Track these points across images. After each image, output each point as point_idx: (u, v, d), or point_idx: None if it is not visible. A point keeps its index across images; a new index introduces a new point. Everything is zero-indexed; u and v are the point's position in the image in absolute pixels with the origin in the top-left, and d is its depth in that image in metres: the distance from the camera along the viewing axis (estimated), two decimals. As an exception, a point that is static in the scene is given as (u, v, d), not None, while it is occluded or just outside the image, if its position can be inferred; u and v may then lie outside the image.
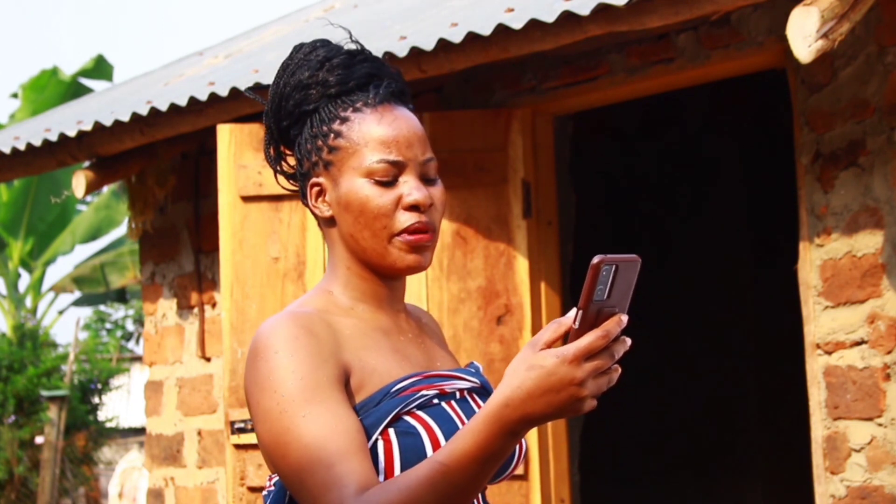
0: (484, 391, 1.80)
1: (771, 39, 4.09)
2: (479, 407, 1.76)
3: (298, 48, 1.86)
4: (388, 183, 1.77)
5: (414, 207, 1.77)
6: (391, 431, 1.67)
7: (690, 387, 7.50)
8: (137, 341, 23.88)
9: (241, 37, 7.19)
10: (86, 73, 17.00)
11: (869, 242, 3.88)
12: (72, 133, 5.24)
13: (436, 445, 1.67)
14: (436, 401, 1.71)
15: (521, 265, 4.59)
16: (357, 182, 1.77)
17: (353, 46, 1.86)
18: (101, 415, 14.62)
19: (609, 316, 1.51)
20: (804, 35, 3.34)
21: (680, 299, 7.55)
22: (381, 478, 1.65)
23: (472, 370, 1.84)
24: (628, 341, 1.53)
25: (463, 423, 1.70)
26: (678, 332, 7.49)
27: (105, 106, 5.83)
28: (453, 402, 1.73)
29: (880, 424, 3.84)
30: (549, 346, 1.52)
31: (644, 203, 7.67)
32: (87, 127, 5.18)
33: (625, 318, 1.51)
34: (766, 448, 7.33)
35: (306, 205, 1.86)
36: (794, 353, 4.99)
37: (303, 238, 4.66)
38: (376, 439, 1.66)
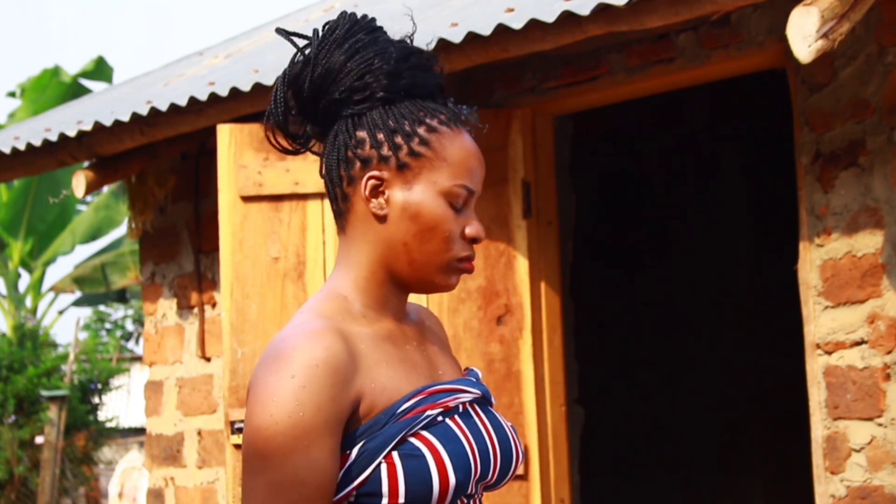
0: (485, 401, 1.79)
1: (771, 39, 4.09)
2: (480, 419, 1.75)
3: (355, 20, 1.78)
4: (458, 209, 1.75)
5: (473, 240, 1.76)
6: (395, 455, 1.65)
7: (690, 386, 7.50)
8: (137, 341, 23.89)
9: (241, 37, 7.19)
10: (86, 74, 17.01)
11: (869, 242, 3.88)
12: (72, 133, 5.24)
13: (440, 466, 1.65)
14: (440, 418, 1.70)
15: (521, 265, 4.59)
16: (432, 197, 1.73)
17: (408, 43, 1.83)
18: (101, 415, 14.62)
19: None
20: (804, 35, 3.34)
21: (680, 299, 7.55)
22: (386, 500, 1.65)
23: (473, 379, 1.82)
24: None
25: (468, 438, 1.69)
26: (678, 332, 7.49)
27: (105, 106, 5.83)
28: (457, 418, 1.72)
29: (880, 424, 3.84)
30: None
31: (644, 203, 7.67)
32: (87, 127, 5.18)
33: None
34: (766, 448, 7.33)
35: (332, 182, 1.77)
36: (794, 353, 4.99)
37: (303, 238, 4.66)
38: (379, 463, 1.65)
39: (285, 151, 1.81)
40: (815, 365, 4.01)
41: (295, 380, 1.62)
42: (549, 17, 3.90)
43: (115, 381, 14.98)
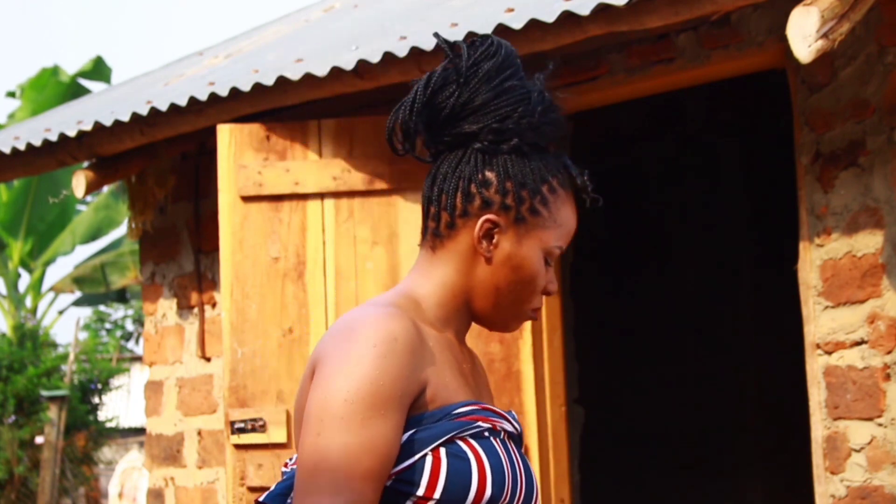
0: (519, 439, 1.84)
1: (771, 39, 4.09)
2: (515, 454, 1.78)
3: (507, 53, 1.80)
4: (549, 265, 1.83)
5: (547, 294, 1.84)
6: (442, 451, 1.68)
7: (690, 386, 7.50)
8: (137, 341, 23.89)
9: (241, 37, 7.19)
10: (84, 74, 17.01)
11: (869, 242, 3.88)
12: (72, 133, 5.24)
13: (482, 475, 1.68)
14: (487, 434, 1.73)
15: (521, 265, 4.59)
16: (537, 253, 1.79)
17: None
18: (101, 415, 14.63)
19: None
20: (804, 35, 3.34)
21: (680, 299, 7.55)
22: (421, 491, 1.67)
23: (513, 417, 1.87)
24: None
25: (506, 463, 1.73)
26: (678, 331, 7.49)
27: (105, 106, 5.83)
28: (499, 441, 1.75)
29: (880, 424, 3.84)
30: None
31: (644, 203, 7.67)
32: (87, 127, 5.18)
33: None
34: (766, 448, 7.33)
35: (444, 207, 1.79)
36: (794, 353, 4.99)
37: (303, 238, 4.66)
38: (425, 454, 1.68)
39: (393, 150, 1.83)
40: (815, 365, 4.01)
41: (377, 349, 1.66)
42: (549, 17, 3.90)
43: (115, 381, 14.99)
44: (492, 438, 1.73)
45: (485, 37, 1.83)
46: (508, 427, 1.79)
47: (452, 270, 1.81)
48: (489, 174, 1.77)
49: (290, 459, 1.81)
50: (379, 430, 1.64)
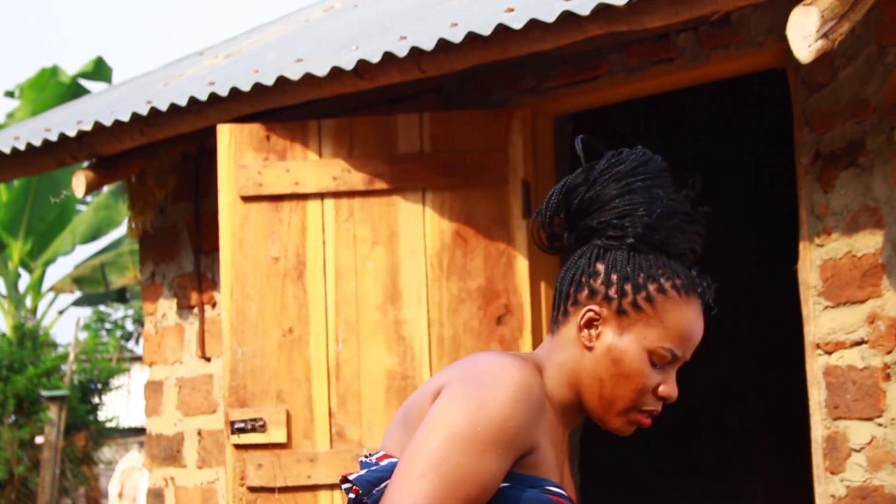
0: None
1: (771, 39, 4.09)
2: None
3: (647, 159, 1.91)
4: (659, 367, 1.84)
5: (664, 399, 1.85)
6: None
7: (690, 386, 7.49)
8: (137, 341, 23.89)
9: (241, 37, 7.19)
10: (85, 74, 17.02)
11: (869, 242, 3.88)
12: (72, 133, 5.24)
13: None
14: None
15: (521, 265, 4.59)
16: (639, 350, 1.82)
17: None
18: (101, 415, 14.63)
19: None
20: (804, 35, 3.34)
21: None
22: None
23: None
24: None
25: None
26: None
27: (105, 106, 5.83)
28: None
29: (880, 424, 3.84)
30: None
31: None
32: (87, 127, 5.18)
33: None
34: (766, 448, 7.33)
35: (562, 295, 1.87)
36: (794, 353, 4.99)
37: (303, 238, 4.66)
38: None
39: (540, 248, 1.92)
40: (815, 365, 4.01)
41: (515, 393, 1.74)
42: (549, 17, 3.89)
43: (115, 381, 14.99)
44: None
45: (635, 148, 1.94)
46: None
47: (566, 356, 1.86)
48: (599, 266, 1.84)
49: (373, 454, 1.85)
50: (491, 466, 1.71)
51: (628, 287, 1.82)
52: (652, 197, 1.85)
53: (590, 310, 1.84)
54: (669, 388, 1.84)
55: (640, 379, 1.82)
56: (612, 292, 1.83)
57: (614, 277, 1.83)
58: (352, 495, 1.83)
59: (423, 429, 1.74)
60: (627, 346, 1.82)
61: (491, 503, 1.73)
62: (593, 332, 1.84)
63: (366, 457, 1.87)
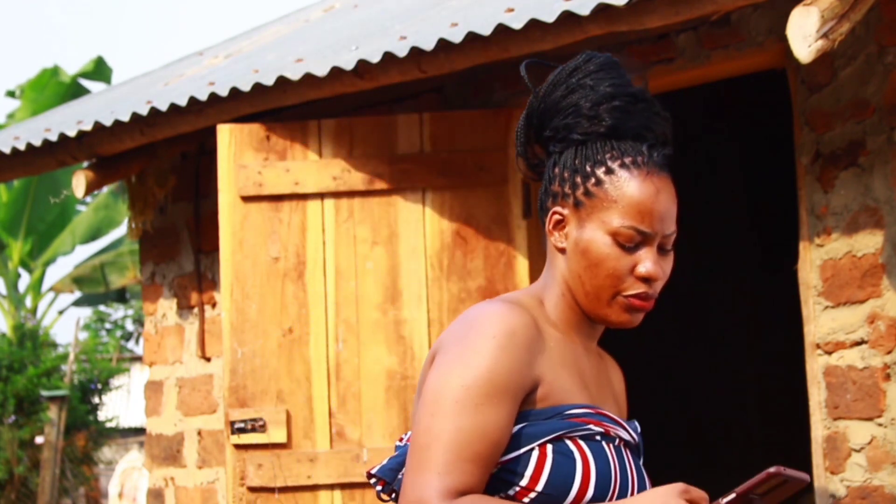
0: (637, 450, 1.90)
1: (771, 39, 4.09)
2: (629, 462, 1.85)
3: (587, 59, 1.87)
4: (629, 248, 1.81)
5: (646, 279, 1.82)
6: (549, 447, 1.75)
7: (690, 386, 7.50)
8: (137, 341, 23.89)
9: (241, 37, 7.19)
10: (85, 74, 17.02)
11: (869, 242, 3.88)
12: (72, 133, 5.24)
13: (586, 475, 1.75)
14: (598, 438, 1.79)
15: (521, 265, 4.59)
16: (602, 237, 1.81)
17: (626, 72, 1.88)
18: (101, 415, 14.62)
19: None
20: (804, 35, 3.34)
21: (679, 299, 7.54)
22: (525, 482, 1.74)
23: (633, 427, 1.92)
24: None
25: (615, 468, 1.79)
26: (678, 331, 7.49)
27: (105, 106, 5.83)
28: (612, 447, 1.81)
29: (880, 424, 3.84)
30: (694, 501, 1.75)
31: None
32: (87, 127, 5.18)
33: None
34: (766, 448, 7.33)
35: (540, 211, 1.89)
36: (794, 353, 4.99)
37: (303, 238, 4.66)
38: (533, 448, 1.75)
39: (530, 180, 1.95)
40: (815, 365, 4.01)
41: (495, 340, 1.74)
42: (549, 17, 3.89)
43: (115, 381, 14.98)
44: (603, 443, 1.80)
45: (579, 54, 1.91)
46: (625, 435, 1.85)
47: (555, 270, 1.88)
48: (556, 170, 1.86)
49: (405, 435, 1.88)
50: (491, 418, 1.72)
51: (578, 179, 1.82)
52: (594, 88, 1.84)
53: (554, 213, 1.86)
54: (647, 267, 1.81)
55: (609, 263, 1.81)
56: (567, 189, 1.83)
57: (566, 174, 1.84)
58: (379, 487, 1.86)
59: (420, 405, 1.76)
60: (591, 235, 1.82)
61: (510, 447, 1.74)
62: (561, 233, 1.85)
63: (400, 440, 1.90)
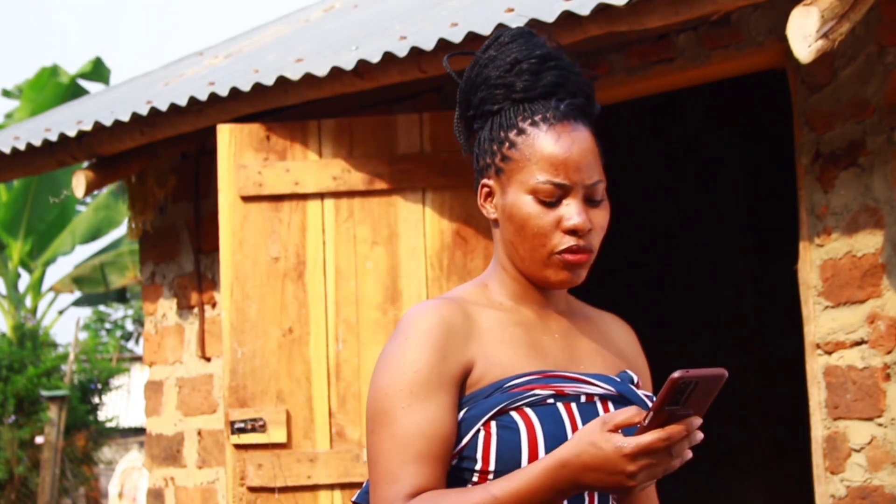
0: (622, 399, 1.83)
1: (771, 39, 4.09)
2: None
3: (498, 36, 1.87)
4: (552, 203, 1.80)
5: (573, 231, 1.80)
6: (493, 424, 1.73)
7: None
8: (137, 341, 23.89)
9: (241, 37, 7.19)
10: (83, 75, 17.02)
11: (869, 242, 3.88)
12: (72, 133, 5.24)
13: (533, 443, 1.73)
14: (550, 401, 1.76)
15: (521, 265, 4.59)
16: (522, 197, 1.81)
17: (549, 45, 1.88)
18: (101, 415, 14.62)
19: (681, 419, 1.62)
20: (804, 35, 3.34)
21: (680, 299, 7.55)
22: (479, 465, 1.73)
23: (618, 379, 1.87)
24: (698, 437, 1.66)
25: (575, 427, 1.76)
26: (678, 331, 7.49)
27: (105, 106, 5.83)
28: (572, 406, 1.78)
29: (880, 424, 3.84)
30: (619, 427, 1.62)
31: (644, 203, 7.67)
32: (87, 127, 5.18)
33: (697, 421, 1.63)
34: (766, 448, 7.33)
35: (476, 191, 1.90)
36: (794, 353, 4.99)
37: (303, 238, 4.66)
38: (478, 430, 1.73)
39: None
40: (815, 365, 4.01)
41: (409, 340, 1.75)
42: (549, 17, 3.89)
43: (115, 381, 14.98)
44: (558, 404, 1.76)
45: None
46: (594, 390, 1.80)
47: (497, 244, 1.90)
48: (478, 147, 1.88)
49: None
50: (422, 415, 1.72)
51: (495, 147, 1.83)
52: (502, 61, 1.84)
53: (482, 186, 1.87)
54: (572, 219, 1.79)
55: (533, 222, 1.80)
56: (489, 160, 1.84)
57: (486, 146, 1.85)
58: None
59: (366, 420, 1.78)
60: (514, 199, 1.81)
61: (460, 435, 1.74)
62: (491, 205, 1.86)
63: None
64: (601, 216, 1.84)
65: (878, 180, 3.86)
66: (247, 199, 4.68)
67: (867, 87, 3.90)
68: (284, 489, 4.58)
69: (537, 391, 1.75)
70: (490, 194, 1.86)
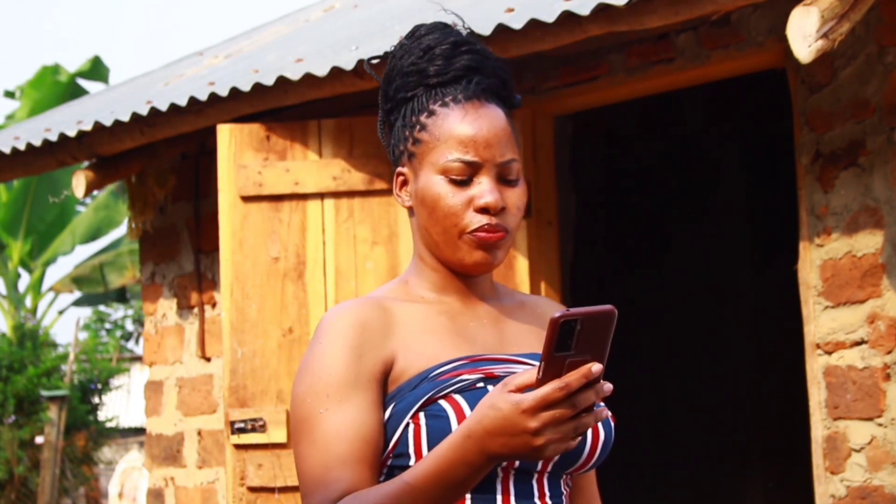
0: None
1: (771, 39, 4.09)
2: None
3: (415, 30, 1.86)
4: (463, 182, 1.78)
5: (484, 210, 1.77)
6: (421, 415, 1.69)
7: (690, 386, 7.50)
8: (137, 341, 23.89)
9: (241, 37, 7.19)
10: (82, 74, 17.02)
11: (869, 242, 3.88)
12: (72, 133, 5.24)
13: None
14: (480, 384, 1.71)
15: (521, 265, 4.59)
16: (433, 178, 1.78)
17: (463, 33, 1.89)
18: (101, 415, 14.62)
19: (578, 366, 1.50)
20: (804, 35, 3.34)
21: (680, 299, 7.55)
22: (413, 460, 1.69)
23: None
24: (607, 388, 1.53)
25: None
26: (678, 331, 7.49)
27: (105, 106, 5.83)
28: None
29: (880, 424, 3.84)
30: (521, 388, 1.53)
31: (644, 203, 7.67)
32: (87, 127, 5.18)
33: (596, 367, 1.51)
34: (766, 448, 7.33)
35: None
36: (794, 353, 4.99)
37: (303, 238, 4.66)
38: (407, 424, 1.69)
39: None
40: (815, 365, 4.01)
41: (322, 345, 1.72)
42: (549, 17, 3.89)
43: (115, 381, 14.98)
44: (489, 387, 1.70)
45: None
46: (521, 369, 1.74)
47: (414, 235, 1.86)
48: (392, 138, 1.86)
49: None
50: (342, 418, 1.68)
51: (407, 132, 1.81)
52: (415, 50, 1.83)
53: (397, 174, 1.84)
54: (484, 197, 1.76)
55: (444, 202, 1.77)
56: (402, 146, 1.82)
57: (399, 134, 1.83)
58: None
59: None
60: (425, 181, 1.79)
61: (389, 433, 1.70)
62: (406, 192, 1.84)
63: None
64: (516, 196, 1.80)
65: (878, 180, 3.86)
66: (247, 199, 4.68)
67: (867, 87, 3.90)
68: (284, 489, 4.57)
69: (465, 376, 1.71)
70: (405, 182, 1.83)
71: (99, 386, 14.39)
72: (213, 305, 5.61)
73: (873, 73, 3.89)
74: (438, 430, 1.67)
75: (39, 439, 12.54)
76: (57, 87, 16.39)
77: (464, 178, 1.77)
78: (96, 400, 14.37)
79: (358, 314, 1.74)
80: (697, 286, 7.49)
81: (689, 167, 7.58)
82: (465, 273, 1.81)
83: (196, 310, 5.67)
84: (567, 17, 3.89)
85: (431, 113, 1.79)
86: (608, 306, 1.50)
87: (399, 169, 1.84)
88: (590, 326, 1.49)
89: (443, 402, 1.68)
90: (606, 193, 7.56)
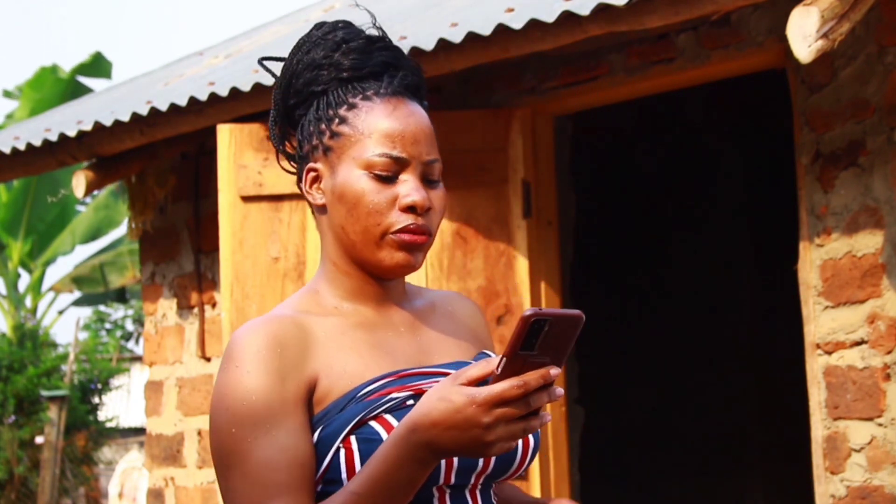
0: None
1: (771, 39, 4.09)
2: None
3: (319, 26, 1.80)
4: (388, 178, 1.70)
5: (411, 209, 1.70)
6: (353, 439, 1.61)
7: (690, 386, 7.50)
8: (137, 341, 23.89)
9: (241, 37, 7.19)
10: (84, 70, 16.99)
11: (869, 242, 3.88)
12: (72, 133, 5.24)
13: None
14: (410, 402, 1.63)
15: (521, 265, 4.59)
16: (355, 173, 1.70)
17: (375, 33, 1.82)
18: (101, 415, 14.63)
19: (537, 367, 1.48)
20: (804, 35, 3.34)
21: (679, 299, 7.55)
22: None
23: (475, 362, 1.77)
24: (558, 392, 1.49)
25: None
26: (677, 331, 7.49)
27: (105, 106, 5.83)
28: None
29: (880, 424, 3.84)
30: (472, 382, 1.48)
31: (644, 203, 7.67)
32: (87, 127, 5.18)
33: (554, 371, 1.48)
34: (766, 448, 7.33)
35: (301, 190, 1.78)
36: (794, 353, 5.00)
37: (303, 238, 4.66)
38: (338, 448, 1.61)
39: (298, 185, 1.81)
40: (815, 365, 4.01)
41: (239, 369, 1.61)
42: (549, 17, 3.89)
43: (115, 381, 14.99)
44: None
45: None
46: None
47: (323, 240, 1.76)
48: (298, 136, 1.77)
49: None
50: (273, 444, 1.59)
51: (323, 126, 1.72)
52: (327, 42, 1.78)
53: (308, 170, 1.74)
54: (411, 195, 1.69)
55: (367, 198, 1.68)
56: (315, 141, 1.73)
57: (311, 128, 1.74)
58: None
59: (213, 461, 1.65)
60: (345, 177, 1.70)
61: (319, 458, 1.61)
62: (318, 188, 1.74)
63: None
64: (439, 198, 1.76)
65: (878, 180, 3.86)
66: (247, 198, 4.68)
67: (867, 87, 3.90)
68: (284, 489, 4.57)
69: (394, 394, 1.63)
70: (317, 178, 1.74)
71: (99, 386, 14.40)
72: (213, 305, 5.61)
73: (873, 73, 3.89)
74: (372, 453, 1.58)
75: (39, 439, 12.54)
76: (57, 87, 16.37)
77: (389, 173, 1.70)
78: (96, 400, 14.38)
79: (274, 333, 1.63)
80: (697, 286, 7.50)
81: (689, 167, 7.58)
82: (383, 276, 1.73)
83: (196, 310, 5.67)
84: (567, 17, 3.89)
85: (352, 106, 1.72)
86: (577, 311, 1.48)
87: (310, 165, 1.74)
88: (557, 329, 1.47)
89: (374, 424, 1.61)
90: (606, 193, 7.56)
